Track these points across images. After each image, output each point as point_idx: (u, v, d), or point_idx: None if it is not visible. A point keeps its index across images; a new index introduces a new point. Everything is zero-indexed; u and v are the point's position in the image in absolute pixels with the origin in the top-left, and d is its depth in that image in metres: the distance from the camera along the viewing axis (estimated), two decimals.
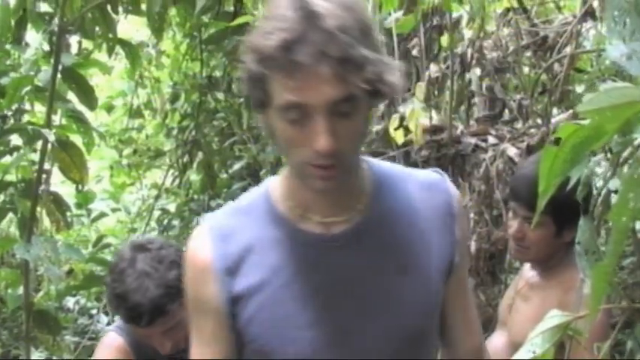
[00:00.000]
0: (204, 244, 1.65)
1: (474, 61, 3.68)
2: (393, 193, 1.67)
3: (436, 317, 1.68)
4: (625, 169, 1.21)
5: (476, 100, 3.83)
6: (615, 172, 1.22)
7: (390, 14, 3.74)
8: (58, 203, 3.60)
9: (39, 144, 3.42)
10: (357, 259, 1.61)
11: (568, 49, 3.56)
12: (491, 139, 3.48)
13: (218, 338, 1.66)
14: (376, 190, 1.66)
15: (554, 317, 0.93)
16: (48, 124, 3.28)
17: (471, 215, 3.40)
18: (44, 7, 3.60)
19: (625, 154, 1.09)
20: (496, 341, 2.61)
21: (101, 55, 4.53)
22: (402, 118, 3.50)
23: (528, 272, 2.58)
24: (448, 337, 1.77)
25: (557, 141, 0.94)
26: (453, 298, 1.72)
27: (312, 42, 1.38)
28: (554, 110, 3.63)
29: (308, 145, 1.44)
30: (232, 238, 1.64)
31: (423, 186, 1.70)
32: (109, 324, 5.08)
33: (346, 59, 1.39)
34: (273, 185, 1.69)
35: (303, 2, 1.42)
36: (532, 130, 3.50)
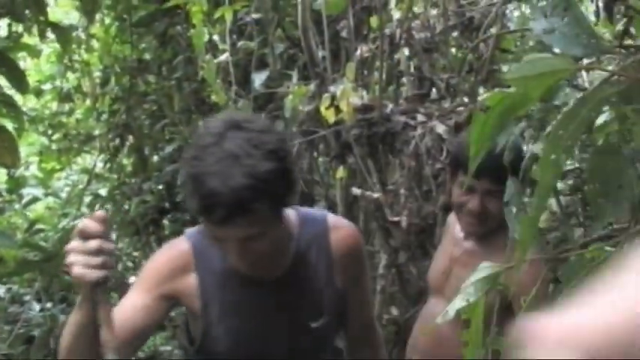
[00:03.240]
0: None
1: (402, 42, 3.75)
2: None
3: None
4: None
5: (405, 79, 3.90)
6: (538, 136, 1.30)
7: None
8: None
9: None
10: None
11: (493, 30, 3.66)
12: (420, 117, 3.55)
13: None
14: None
15: (486, 268, 1.00)
16: None
17: (402, 191, 3.48)
18: None
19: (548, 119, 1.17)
20: (435, 308, 2.66)
21: (29, 39, 4.49)
22: (333, 98, 3.56)
23: (463, 242, 2.63)
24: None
25: (486, 110, 1.00)
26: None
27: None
28: (481, 89, 3.72)
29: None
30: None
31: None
32: (41, 311, 5.06)
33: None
34: None
35: None
36: (459, 108, 3.59)
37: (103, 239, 1.62)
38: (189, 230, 2.18)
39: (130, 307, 2.00)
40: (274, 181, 1.78)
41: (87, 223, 1.63)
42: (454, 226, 2.70)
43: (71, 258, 1.61)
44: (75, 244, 1.62)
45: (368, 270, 2.33)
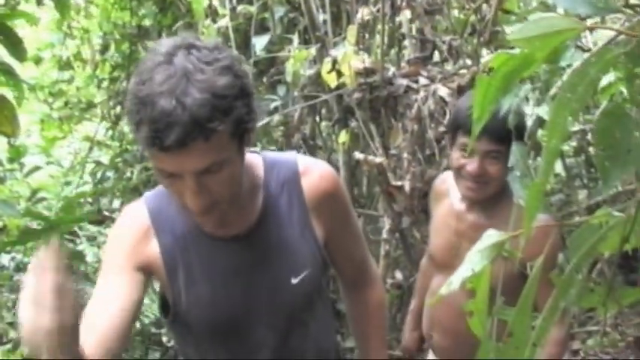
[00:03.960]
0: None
1: (403, 4, 3.71)
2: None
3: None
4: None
5: (406, 42, 3.86)
6: (544, 98, 1.28)
7: None
8: None
9: None
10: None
11: None
12: (423, 80, 3.53)
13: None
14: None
15: (491, 236, 0.98)
16: None
17: (405, 155, 3.46)
18: None
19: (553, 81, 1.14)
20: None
21: (27, 6, 4.45)
22: (335, 62, 3.53)
23: (467, 214, 2.58)
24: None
25: (490, 72, 0.98)
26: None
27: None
28: (484, 51, 3.68)
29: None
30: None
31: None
32: None
33: None
34: None
35: None
36: (462, 71, 3.56)
37: (58, 276, 1.31)
38: (147, 193, 1.98)
39: (107, 293, 1.77)
40: (232, 98, 1.58)
41: (40, 258, 1.32)
42: (449, 196, 2.65)
43: (22, 309, 1.31)
44: (27, 286, 1.31)
45: (351, 207, 2.10)
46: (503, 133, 1.91)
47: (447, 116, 3.38)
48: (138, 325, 4.96)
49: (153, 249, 1.89)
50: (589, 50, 2.89)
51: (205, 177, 1.63)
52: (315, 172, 1.98)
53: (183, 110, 1.51)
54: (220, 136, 1.57)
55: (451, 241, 2.58)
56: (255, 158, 1.96)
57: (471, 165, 2.39)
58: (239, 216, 1.89)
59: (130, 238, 1.87)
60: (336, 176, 2.06)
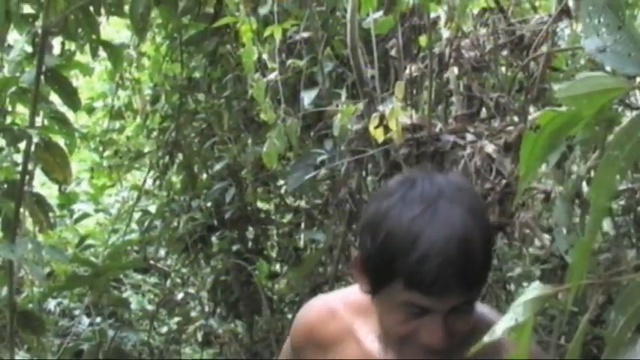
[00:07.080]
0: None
1: (451, 61, 3.73)
2: None
3: None
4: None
5: (454, 98, 3.88)
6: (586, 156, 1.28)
7: (368, 15, 3.80)
8: (41, 204, 3.62)
9: (22, 145, 3.44)
10: None
11: (544, 48, 3.63)
12: (470, 137, 3.53)
13: None
14: None
15: (536, 289, 0.98)
16: (31, 124, 3.30)
17: None
18: (27, 9, 3.62)
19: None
20: None
21: (82, 57, 4.56)
22: (382, 117, 3.55)
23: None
24: None
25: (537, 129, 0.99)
26: None
27: None
28: (531, 108, 3.69)
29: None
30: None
31: None
32: (90, 325, 5.11)
33: None
34: None
35: None
36: (509, 128, 3.56)
37: None
38: None
39: None
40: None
41: None
42: (351, 339, 1.79)
43: None
44: None
45: None
46: (476, 274, 1.52)
47: (494, 173, 3.37)
48: None
49: None
50: (638, 108, 2.88)
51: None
52: None
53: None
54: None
55: None
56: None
57: (430, 332, 1.53)
58: None
59: None
60: None
